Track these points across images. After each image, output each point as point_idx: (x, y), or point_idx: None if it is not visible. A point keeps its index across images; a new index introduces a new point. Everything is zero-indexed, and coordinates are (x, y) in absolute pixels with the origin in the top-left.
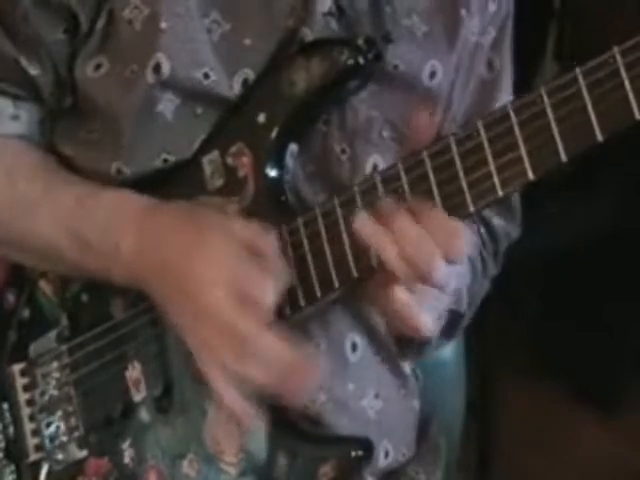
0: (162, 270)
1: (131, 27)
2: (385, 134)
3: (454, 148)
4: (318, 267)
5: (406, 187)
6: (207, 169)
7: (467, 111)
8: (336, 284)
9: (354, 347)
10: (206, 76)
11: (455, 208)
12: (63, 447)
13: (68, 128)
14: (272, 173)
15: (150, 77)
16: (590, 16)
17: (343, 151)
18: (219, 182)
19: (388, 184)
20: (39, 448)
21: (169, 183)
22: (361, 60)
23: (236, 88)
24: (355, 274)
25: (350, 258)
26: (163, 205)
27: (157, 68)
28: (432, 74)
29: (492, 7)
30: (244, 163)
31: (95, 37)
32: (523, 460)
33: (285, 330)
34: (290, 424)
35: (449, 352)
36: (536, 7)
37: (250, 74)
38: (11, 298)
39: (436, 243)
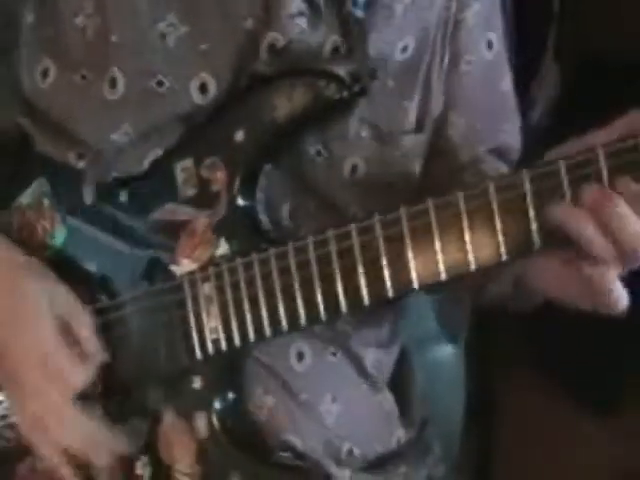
0: None
1: (83, 35)
2: (364, 134)
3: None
4: (285, 302)
5: (406, 231)
6: (180, 176)
7: (473, 94)
8: (303, 321)
9: (300, 356)
10: (160, 84)
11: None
12: (12, 426)
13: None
14: (245, 195)
15: (107, 92)
16: (590, 16)
17: (318, 153)
18: (191, 192)
19: (362, 233)
20: None
21: (140, 183)
22: (346, 95)
23: (194, 94)
24: (323, 317)
25: (320, 299)
26: None
27: (113, 82)
28: (404, 48)
29: None
30: (218, 179)
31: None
32: (523, 460)
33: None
34: (257, 449)
35: (449, 352)
36: (536, 8)
37: (207, 79)
38: None
39: None
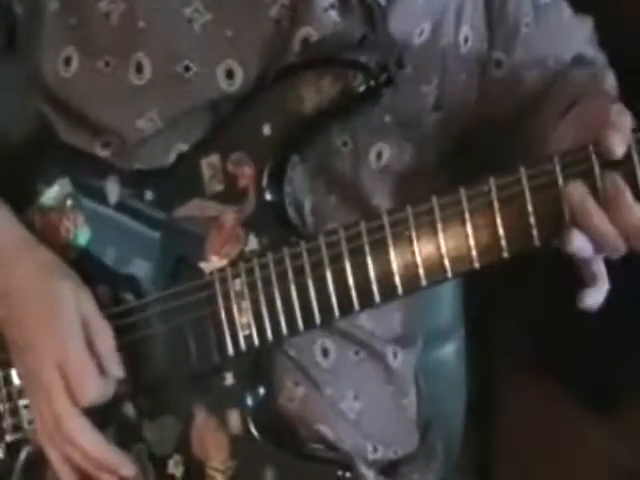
0: (8, 320)
1: (107, 21)
2: (387, 119)
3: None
4: (318, 294)
5: (438, 221)
6: (206, 172)
7: (540, 44)
8: (337, 313)
9: (325, 352)
10: (187, 69)
11: None
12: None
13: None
14: (274, 189)
15: (133, 78)
16: (590, 16)
17: (344, 144)
18: (218, 187)
19: (394, 226)
20: (17, 428)
21: (166, 179)
22: (373, 85)
23: (220, 80)
24: (357, 308)
25: (353, 292)
26: (29, 253)
27: (139, 68)
28: (420, 33)
29: None
30: (245, 174)
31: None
32: (523, 460)
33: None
34: (290, 442)
35: (449, 352)
36: None
37: (234, 65)
38: None
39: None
